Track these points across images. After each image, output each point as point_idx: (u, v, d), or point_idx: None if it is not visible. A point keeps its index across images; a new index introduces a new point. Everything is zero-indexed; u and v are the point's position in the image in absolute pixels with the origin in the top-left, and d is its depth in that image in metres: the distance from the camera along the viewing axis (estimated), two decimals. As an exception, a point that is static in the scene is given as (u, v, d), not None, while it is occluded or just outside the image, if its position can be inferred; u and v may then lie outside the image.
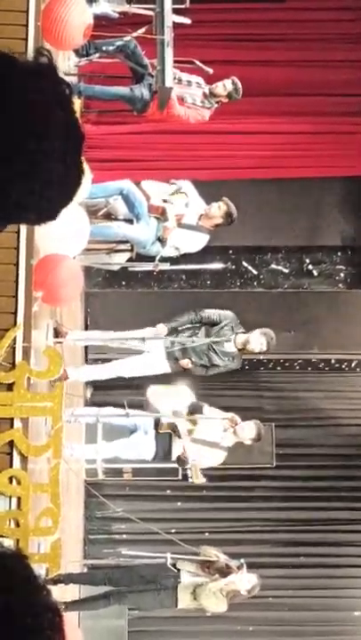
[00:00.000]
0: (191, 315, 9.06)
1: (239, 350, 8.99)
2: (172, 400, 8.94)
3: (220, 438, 8.86)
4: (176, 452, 8.82)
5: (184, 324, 8.97)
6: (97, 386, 10.93)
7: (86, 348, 11.09)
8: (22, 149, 1.73)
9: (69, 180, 1.81)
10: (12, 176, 1.73)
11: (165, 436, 8.83)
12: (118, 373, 9.15)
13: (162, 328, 8.94)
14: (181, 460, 8.84)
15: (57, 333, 8.64)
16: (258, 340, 8.89)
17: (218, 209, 9.05)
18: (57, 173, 1.77)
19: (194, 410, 8.89)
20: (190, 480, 8.93)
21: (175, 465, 9.21)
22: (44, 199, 1.78)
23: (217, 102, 9.19)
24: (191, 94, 9.04)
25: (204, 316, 9.04)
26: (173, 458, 8.87)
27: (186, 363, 8.84)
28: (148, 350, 8.88)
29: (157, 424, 8.89)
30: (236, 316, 9.17)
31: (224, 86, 9.11)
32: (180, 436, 8.76)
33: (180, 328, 8.96)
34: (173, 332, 8.92)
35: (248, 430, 8.87)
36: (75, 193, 1.84)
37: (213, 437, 8.85)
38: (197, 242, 9.21)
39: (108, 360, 9.84)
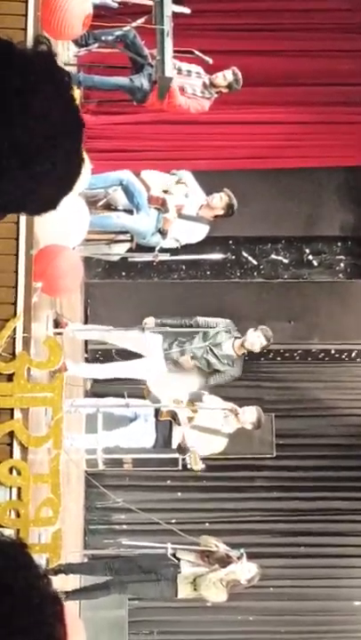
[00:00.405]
0: (185, 319, 9.08)
1: (239, 356, 8.99)
2: (173, 388, 8.94)
3: (221, 425, 8.86)
4: (176, 439, 8.82)
5: (175, 325, 8.98)
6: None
7: (86, 340, 11.09)
8: (21, 138, 1.72)
9: (69, 169, 1.80)
10: (10, 165, 1.72)
11: (166, 423, 8.84)
12: (117, 375, 9.17)
13: (150, 320, 8.95)
14: (181, 448, 8.83)
15: (57, 324, 8.64)
16: (254, 336, 8.90)
17: (220, 200, 9.03)
18: (56, 162, 1.76)
19: (194, 398, 8.89)
20: (189, 466, 8.92)
21: (175, 455, 9.21)
22: (43, 189, 1.78)
23: (217, 92, 9.17)
24: (191, 84, 9.02)
25: (200, 321, 9.05)
26: (174, 446, 8.87)
27: (186, 359, 8.83)
28: (146, 354, 8.88)
29: (158, 412, 8.89)
30: (231, 322, 9.18)
31: (224, 77, 9.09)
32: (180, 424, 8.76)
33: (172, 325, 8.96)
34: (162, 326, 8.92)
35: (249, 414, 8.88)
36: (75, 182, 1.83)
37: (214, 424, 8.85)
38: (198, 233, 9.20)
39: (108, 353, 9.84)
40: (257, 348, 8.96)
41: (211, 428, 8.84)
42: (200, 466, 8.92)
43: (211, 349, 8.88)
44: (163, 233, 8.93)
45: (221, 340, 8.94)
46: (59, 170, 1.77)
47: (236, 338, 9.00)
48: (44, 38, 1.80)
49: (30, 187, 1.76)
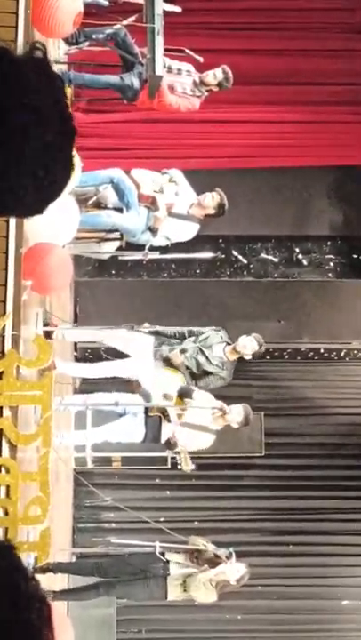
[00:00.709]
0: (177, 328, 9.06)
1: (230, 360, 8.96)
2: (163, 383, 8.92)
3: (209, 422, 8.85)
4: (165, 435, 8.81)
5: (168, 333, 8.97)
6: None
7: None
8: (12, 143, 1.72)
9: (59, 175, 1.81)
10: (1, 169, 1.72)
11: (155, 419, 8.82)
12: (106, 374, 9.15)
13: (147, 325, 8.94)
14: (170, 444, 8.82)
15: (47, 324, 8.63)
16: (246, 340, 8.87)
17: (211, 199, 9.02)
18: (47, 168, 1.76)
19: (184, 393, 8.87)
20: (179, 467, 8.91)
21: (164, 454, 9.21)
22: (31, 194, 1.78)
23: (207, 91, 9.16)
24: (181, 83, 9.01)
25: (194, 331, 9.03)
26: (163, 441, 8.85)
27: (176, 354, 8.81)
28: (135, 353, 8.86)
29: (147, 407, 8.87)
30: (224, 329, 9.14)
31: (214, 75, 9.08)
32: (169, 420, 8.74)
33: (165, 334, 8.95)
34: (155, 333, 8.91)
35: (236, 413, 8.86)
36: (63, 188, 1.83)
37: (202, 421, 8.83)
38: (188, 231, 9.19)
39: (98, 352, 9.83)
40: (248, 351, 8.91)
41: (199, 425, 8.83)
42: (190, 466, 8.92)
43: (201, 350, 8.87)
44: (153, 231, 8.92)
45: (212, 343, 8.92)
46: (48, 175, 1.77)
47: (227, 344, 8.98)
48: (39, 43, 1.80)
49: (19, 191, 1.76)
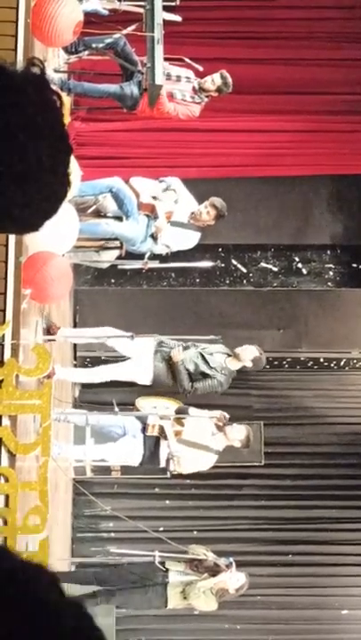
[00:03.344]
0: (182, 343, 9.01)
1: (230, 369, 8.90)
2: (160, 406, 8.91)
3: (209, 441, 8.81)
4: (163, 455, 8.77)
5: (170, 345, 8.91)
6: (85, 384, 10.92)
7: (75, 346, 11.08)
8: (9, 161, 1.71)
9: (55, 193, 1.80)
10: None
11: (153, 438, 8.78)
12: (107, 378, 9.13)
13: (155, 336, 8.92)
14: (170, 462, 8.78)
15: (48, 331, 8.63)
16: (247, 351, 8.83)
17: (207, 215, 9.01)
18: (42, 186, 1.76)
19: (180, 412, 8.86)
20: (173, 470, 8.87)
21: (163, 465, 9.18)
22: (27, 211, 1.77)
23: (207, 97, 9.15)
24: (181, 90, 9.01)
25: (197, 344, 8.98)
26: (161, 462, 8.80)
27: (177, 351, 8.75)
28: (136, 356, 8.84)
29: (145, 428, 8.84)
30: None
31: (213, 81, 9.08)
32: (167, 438, 8.70)
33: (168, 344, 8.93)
34: (160, 345, 8.88)
35: (237, 432, 8.83)
36: (60, 205, 1.82)
37: (202, 440, 8.80)
38: (189, 240, 9.19)
39: (97, 360, 9.81)
40: (247, 357, 8.86)
41: (199, 444, 8.79)
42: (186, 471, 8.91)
43: (201, 354, 8.84)
44: (154, 238, 8.92)
45: (213, 351, 8.90)
46: (44, 193, 1.76)
47: (228, 355, 8.94)
48: (37, 60, 1.79)
49: (14, 209, 1.75)
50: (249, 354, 8.82)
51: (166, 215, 8.92)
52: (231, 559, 8.31)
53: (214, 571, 8.23)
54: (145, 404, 8.96)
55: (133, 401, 9.10)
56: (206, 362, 8.80)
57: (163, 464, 8.78)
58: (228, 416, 8.94)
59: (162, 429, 8.74)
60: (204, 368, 8.79)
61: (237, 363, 8.84)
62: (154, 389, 9.43)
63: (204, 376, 8.82)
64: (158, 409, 8.85)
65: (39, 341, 7.73)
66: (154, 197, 8.93)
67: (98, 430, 9.07)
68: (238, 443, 8.87)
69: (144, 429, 8.78)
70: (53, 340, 8.53)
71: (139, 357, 8.82)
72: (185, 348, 8.82)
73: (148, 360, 8.80)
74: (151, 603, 8.35)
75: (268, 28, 11.49)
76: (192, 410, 8.87)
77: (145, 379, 8.87)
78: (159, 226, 8.84)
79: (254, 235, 12.49)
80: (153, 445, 8.76)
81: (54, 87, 1.80)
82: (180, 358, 8.74)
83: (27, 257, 7.03)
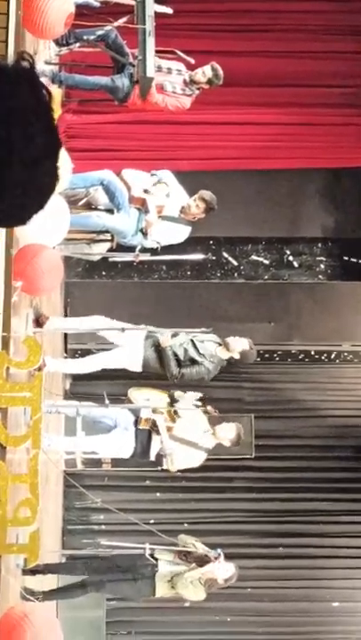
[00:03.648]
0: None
1: (220, 357, 8.90)
2: (153, 398, 8.90)
3: (200, 438, 8.81)
4: (154, 449, 8.76)
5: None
6: (75, 376, 10.92)
7: (66, 336, 11.07)
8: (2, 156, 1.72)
9: (43, 187, 1.80)
10: None
11: (145, 432, 8.78)
12: (98, 367, 9.12)
13: (142, 327, 8.91)
14: (161, 457, 8.78)
15: (37, 321, 8.62)
16: (238, 342, 8.83)
17: (197, 208, 9.00)
18: (31, 181, 1.76)
19: (172, 396, 8.85)
20: (165, 466, 8.88)
21: (153, 459, 9.17)
22: (15, 205, 1.77)
23: (198, 89, 9.14)
24: (171, 82, 9.00)
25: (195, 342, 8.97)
26: (152, 457, 8.80)
27: (165, 337, 8.73)
28: (126, 344, 8.83)
29: (137, 420, 8.84)
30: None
31: (203, 73, 9.07)
32: (159, 433, 8.70)
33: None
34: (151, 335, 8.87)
35: (228, 431, 8.84)
36: (47, 201, 1.83)
37: (193, 437, 8.80)
38: (179, 234, 9.18)
39: (87, 352, 9.80)
40: (237, 348, 8.86)
41: (190, 441, 8.79)
42: (177, 466, 8.90)
43: (192, 341, 8.84)
44: (144, 233, 8.91)
45: (204, 339, 8.89)
46: (32, 188, 1.77)
47: (220, 344, 8.94)
48: (26, 54, 1.79)
49: (1, 203, 1.75)
50: (239, 345, 8.82)
51: (157, 209, 8.91)
52: (220, 550, 8.32)
53: (203, 561, 8.25)
54: (138, 395, 8.95)
55: (125, 393, 9.09)
56: (196, 348, 8.79)
57: (152, 458, 8.78)
58: (215, 412, 8.95)
59: (154, 423, 8.73)
60: (193, 354, 8.78)
61: (227, 352, 8.84)
62: (147, 381, 9.43)
63: (193, 362, 8.80)
64: (151, 401, 8.85)
65: (30, 333, 7.72)
66: (145, 191, 8.92)
67: (89, 422, 9.06)
68: (228, 442, 8.87)
69: (136, 422, 8.77)
70: (41, 331, 8.52)
71: (129, 345, 8.81)
72: (174, 335, 8.82)
73: (139, 346, 8.79)
74: (140, 592, 8.36)
75: (261, 20, 11.48)
76: (185, 395, 8.85)
77: (135, 365, 8.87)
78: (149, 220, 8.83)
79: (246, 227, 12.49)
80: (145, 439, 8.76)
81: (44, 81, 1.80)
82: (169, 344, 8.73)
83: (17, 249, 7.02)
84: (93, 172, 9.00)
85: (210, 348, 8.85)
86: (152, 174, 9.13)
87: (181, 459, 8.83)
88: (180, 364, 8.78)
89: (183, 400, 8.84)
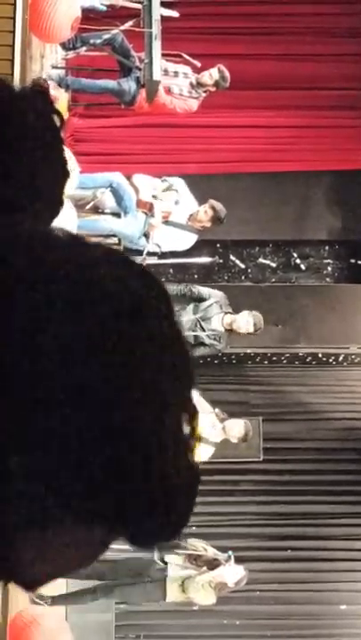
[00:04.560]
0: (180, 286, 9.09)
1: (226, 331, 8.99)
2: None
3: (208, 434, 8.82)
4: None
5: (171, 292, 8.98)
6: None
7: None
8: (7, 178, 1.72)
9: (47, 215, 1.81)
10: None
11: None
12: None
13: None
14: None
15: None
16: (245, 319, 8.93)
17: (205, 214, 9.02)
18: (37, 211, 1.77)
19: None
20: None
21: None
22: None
23: (205, 92, 9.16)
24: (178, 85, 9.02)
25: (194, 291, 9.06)
26: None
27: None
28: None
29: None
30: (225, 295, 9.19)
31: (210, 75, 9.09)
32: None
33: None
34: None
35: (237, 428, 8.85)
36: (52, 221, 1.84)
37: (202, 431, 8.81)
38: (184, 241, 9.19)
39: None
40: (242, 331, 9.01)
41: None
42: None
43: (199, 322, 8.89)
44: (146, 236, 8.93)
45: (211, 315, 8.94)
46: (38, 217, 1.77)
47: (226, 313, 9.01)
48: (42, 80, 1.81)
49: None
50: (244, 330, 8.96)
51: (164, 215, 8.92)
52: (230, 553, 8.33)
53: (213, 564, 8.25)
54: None
55: None
56: (204, 330, 8.88)
57: None
58: (224, 415, 8.96)
59: None
60: (203, 339, 8.90)
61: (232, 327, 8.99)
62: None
63: (203, 344, 8.94)
64: None
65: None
66: (154, 196, 8.93)
67: None
68: (235, 439, 8.89)
69: None
70: None
71: None
72: (183, 299, 8.93)
73: None
74: (150, 596, 8.36)
75: (267, 23, 11.48)
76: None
77: None
78: (153, 223, 8.85)
79: (253, 230, 12.48)
80: None
81: (51, 84, 1.81)
82: None
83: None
84: (104, 173, 9.02)
85: (217, 326, 8.92)
86: (163, 180, 9.15)
87: None
88: (191, 347, 8.90)
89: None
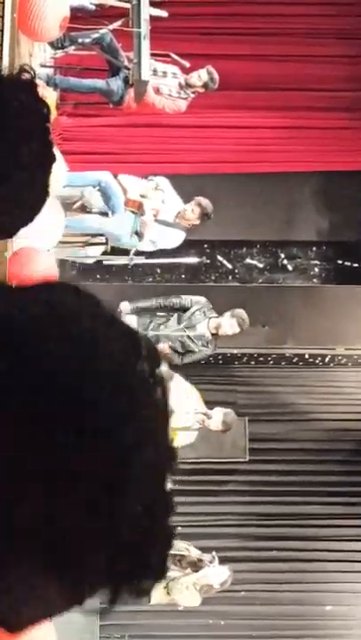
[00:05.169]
0: (159, 299, 9.10)
1: (213, 335, 9.02)
2: None
3: (183, 421, 8.84)
4: None
5: (151, 307, 9.00)
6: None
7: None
8: None
9: (33, 200, 1.80)
10: None
11: None
12: None
13: (125, 306, 8.96)
14: None
15: None
16: (228, 323, 8.96)
17: (192, 212, 9.03)
18: (21, 194, 1.75)
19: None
20: None
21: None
22: (4, 218, 1.77)
23: (193, 93, 9.16)
24: (167, 85, 9.02)
25: (175, 301, 9.08)
26: None
27: (164, 347, 8.79)
28: None
29: None
30: (208, 301, 9.21)
31: (199, 76, 9.10)
32: None
33: (148, 309, 9.00)
34: (138, 311, 8.95)
35: (216, 416, 8.90)
36: (37, 214, 1.83)
37: (184, 422, 8.82)
38: (174, 239, 9.20)
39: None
40: (229, 333, 9.07)
41: (181, 427, 8.83)
42: None
43: (185, 331, 8.92)
44: (139, 235, 8.92)
45: (196, 322, 8.96)
46: (22, 199, 1.76)
47: (210, 318, 9.03)
48: (28, 67, 1.79)
49: None
50: (229, 332, 8.99)
51: (153, 213, 8.92)
52: (214, 554, 8.33)
53: (197, 566, 8.24)
54: None
55: None
56: (191, 338, 8.90)
57: None
58: (209, 413, 8.97)
59: None
60: (191, 347, 8.91)
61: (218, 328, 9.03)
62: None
63: (192, 351, 8.97)
64: None
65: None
66: (142, 195, 8.94)
67: None
68: (216, 428, 8.95)
69: None
70: None
71: None
72: (166, 311, 8.93)
73: None
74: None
75: (255, 24, 11.48)
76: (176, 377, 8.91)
77: None
78: (145, 221, 8.85)
79: (240, 231, 12.49)
80: None
81: (41, 90, 1.80)
82: (168, 351, 8.81)
83: (12, 253, 7.02)
84: (92, 172, 9.02)
85: (203, 331, 8.94)
86: (149, 179, 9.15)
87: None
88: (179, 354, 8.91)
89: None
